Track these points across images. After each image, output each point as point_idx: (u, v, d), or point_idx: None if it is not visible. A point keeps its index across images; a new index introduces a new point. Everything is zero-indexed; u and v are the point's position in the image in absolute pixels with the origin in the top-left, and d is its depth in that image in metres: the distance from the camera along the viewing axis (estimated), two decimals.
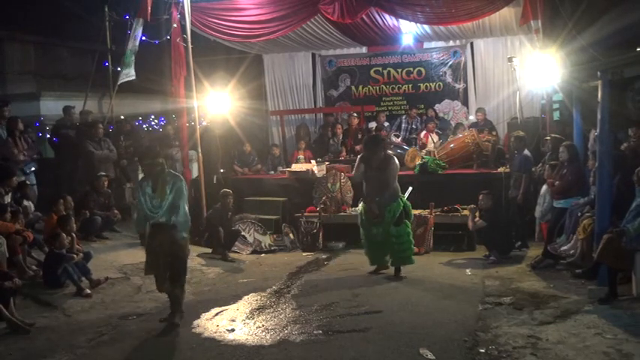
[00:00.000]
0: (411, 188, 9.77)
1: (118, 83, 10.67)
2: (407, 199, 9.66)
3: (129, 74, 10.45)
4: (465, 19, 10.35)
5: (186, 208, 5.81)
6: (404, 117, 13.02)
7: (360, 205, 7.77)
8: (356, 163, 7.71)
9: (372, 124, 13.02)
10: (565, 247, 7.37)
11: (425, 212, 9.39)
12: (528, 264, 7.81)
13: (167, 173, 5.78)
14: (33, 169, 8.99)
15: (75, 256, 7.11)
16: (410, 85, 13.64)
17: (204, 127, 11.38)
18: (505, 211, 9.10)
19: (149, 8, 10.12)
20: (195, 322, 5.96)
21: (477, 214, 8.58)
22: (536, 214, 8.83)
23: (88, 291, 6.84)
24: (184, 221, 5.77)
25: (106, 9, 11.01)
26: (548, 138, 9.21)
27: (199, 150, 10.64)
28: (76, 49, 16.37)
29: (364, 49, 13.71)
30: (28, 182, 8.54)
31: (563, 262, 7.47)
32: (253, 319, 6.02)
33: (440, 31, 12.08)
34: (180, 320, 5.83)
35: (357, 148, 11.97)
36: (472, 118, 12.76)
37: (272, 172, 12.01)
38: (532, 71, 10.01)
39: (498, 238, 8.32)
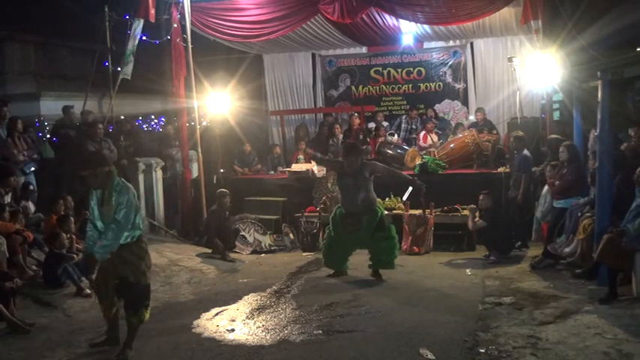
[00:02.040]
0: (411, 188, 9.77)
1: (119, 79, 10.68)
2: (407, 198, 9.74)
3: (125, 73, 10.45)
4: (465, 19, 10.37)
5: (136, 219, 4.96)
6: (404, 117, 13.02)
7: (336, 208, 7.63)
8: (333, 160, 7.86)
9: (371, 125, 13.03)
10: (568, 250, 7.34)
11: (425, 212, 9.38)
12: (528, 264, 7.81)
13: (116, 183, 4.98)
14: (33, 169, 8.98)
15: (75, 256, 7.11)
16: (410, 85, 13.64)
17: (205, 127, 11.38)
18: (505, 211, 9.10)
19: (152, 9, 10.12)
20: (195, 322, 5.96)
21: (477, 214, 8.58)
22: (537, 214, 8.83)
23: (88, 291, 6.81)
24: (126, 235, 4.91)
25: (106, 9, 10.99)
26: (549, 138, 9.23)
27: (199, 150, 10.66)
28: (76, 49, 16.34)
29: (364, 49, 13.72)
30: (32, 187, 8.52)
31: (563, 262, 7.47)
32: (253, 319, 6.02)
33: (440, 31, 12.08)
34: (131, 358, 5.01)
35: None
36: (472, 118, 12.76)
37: (272, 172, 12.02)
38: (532, 71, 10.02)
39: (498, 238, 8.32)
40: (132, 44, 10.29)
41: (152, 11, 10.16)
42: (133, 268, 4.97)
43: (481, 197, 8.58)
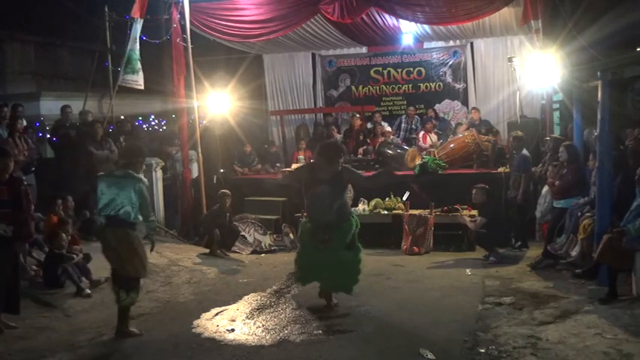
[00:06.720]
0: (408, 193, 9.80)
1: (122, 84, 10.64)
2: (407, 198, 9.75)
3: (137, 82, 10.43)
4: (465, 19, 10.38)
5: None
6: (403, 117, 13.04)
7: (303, 224, 6.58)
8: (297, 168, 6.59)
9: (370, 125, 13.03)
10: (573, 253, 7.28)
11: (425, 212, 9.39)
12: (528, 264, 7.81)
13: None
14: (32, 169, 8.97)
15: (75, 256, 7.10)
16: (410, 85, 13.64)
17: (204, 127, 11.39)
18: (505, 211, 9.09)
19: (139, 7, 10.16)
20: (195, 322, 5.96)
21: (476, 212, 8.58)
22: (537, 214, 8.83)
23: (88, 291, 6.82)
24: None
25: (106, 9, 11.00)
26: (548, 138, 9.23)
27: (199, 150, 10.65)
28: (76, 49, 16.36)
29: (364, 49, 13.72)
30: (25, 182, 8.50)
31: (563, 262, 7.47)
32: (253, 319, 6.02)
33: (440, 31, 12.09)
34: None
35: (360, 150, 11.99)
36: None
37: (276, 167, 12.02)
38: (532, 71, 10.03)
39: (495, 234, 8.29)
40: (132, 45, 10.27)
41: (137, 9, 10.18)
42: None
43: (474, 191, 8.59)
